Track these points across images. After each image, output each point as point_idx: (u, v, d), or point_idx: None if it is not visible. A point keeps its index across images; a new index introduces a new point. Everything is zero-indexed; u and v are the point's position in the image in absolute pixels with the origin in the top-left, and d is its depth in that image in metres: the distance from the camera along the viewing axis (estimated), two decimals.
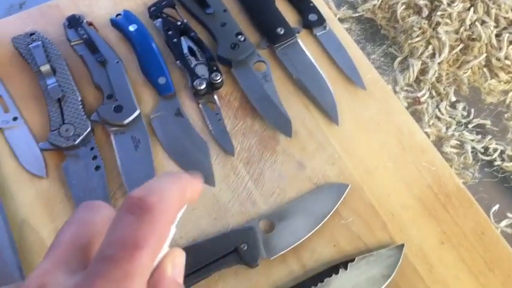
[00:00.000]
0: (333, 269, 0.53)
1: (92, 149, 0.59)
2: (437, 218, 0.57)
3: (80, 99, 0.61)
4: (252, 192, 0.59)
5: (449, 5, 0.69)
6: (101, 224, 0.26)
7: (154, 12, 0.68)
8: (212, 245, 0.55)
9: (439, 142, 0.65)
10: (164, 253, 0.26)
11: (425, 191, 0.59)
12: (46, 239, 0.55)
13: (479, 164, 0.64)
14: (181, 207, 0.26)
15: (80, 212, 0.27)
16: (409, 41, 0.69)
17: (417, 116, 0.66)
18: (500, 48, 0.66)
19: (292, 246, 0.55)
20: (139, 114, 0.61)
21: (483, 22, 0.68)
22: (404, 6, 0.72)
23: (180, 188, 0.26)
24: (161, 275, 0.25)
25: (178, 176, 0.26)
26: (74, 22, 0.67)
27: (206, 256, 0.54)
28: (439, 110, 0.66)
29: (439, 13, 0.68)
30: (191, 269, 0.53)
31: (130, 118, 0.60)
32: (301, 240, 0.55)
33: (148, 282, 0.24)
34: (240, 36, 0.66)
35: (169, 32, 0.66)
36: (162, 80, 0.63)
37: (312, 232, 0.56)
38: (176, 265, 0.26)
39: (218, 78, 0.63)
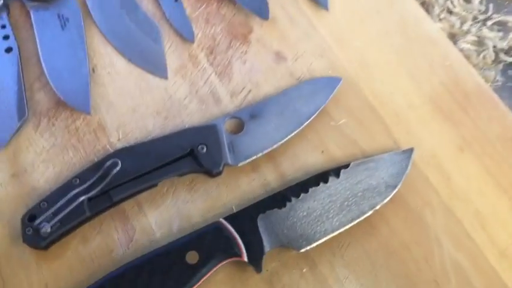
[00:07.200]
0: (321, 176, 0.40)
1: (3, 26, 0.45)
2: (454, 120, 0.45)
3: None
4: (216, 87, 0.45)
5: None
6: None
7: None
8: (160, 146, 0.41)
9: (452, 39, 0.52)
10: None
11: (438, 89, 0.46)
12: None
13: (501, 65, 0.51)
14: None
15: None
16: None
17: (425, 8, 0.54)
18: None
19: (266, 151, 0.41)
20: None
21: None
22: None
23: None
24: None
25: None
26: None
27: (152, 159, 0.40)
28: (451, 3, 0.53)
29: None
30: (131, 175, 0.39)
31: None
32: (278, 144, 0.42)
33: None
34: None
35: None
36: None
37: (293, 134, 0.42)
38: None
39: None
